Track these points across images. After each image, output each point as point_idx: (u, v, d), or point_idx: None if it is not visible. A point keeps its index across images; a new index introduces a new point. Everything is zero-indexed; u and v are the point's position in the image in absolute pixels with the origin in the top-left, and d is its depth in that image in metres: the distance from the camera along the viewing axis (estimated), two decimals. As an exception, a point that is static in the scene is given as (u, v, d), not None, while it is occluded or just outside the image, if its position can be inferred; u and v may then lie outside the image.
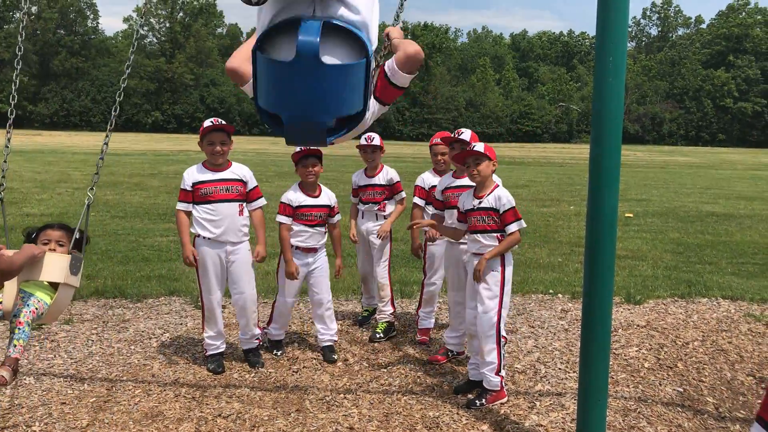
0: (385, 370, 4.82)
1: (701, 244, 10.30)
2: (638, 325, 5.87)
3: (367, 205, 5.62)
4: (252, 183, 4.83)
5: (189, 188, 4.69)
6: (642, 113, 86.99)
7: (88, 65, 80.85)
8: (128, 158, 29.11)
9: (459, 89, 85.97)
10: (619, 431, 3.90)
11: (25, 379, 4.51)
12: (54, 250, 3.23)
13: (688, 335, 5.62)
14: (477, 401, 4.19)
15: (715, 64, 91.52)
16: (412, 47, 2.65)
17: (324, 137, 2.32)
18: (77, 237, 3.31)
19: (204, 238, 4.66)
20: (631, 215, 13.48)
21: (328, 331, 5.07)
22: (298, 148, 4.89)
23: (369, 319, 5.89)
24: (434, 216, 4.88)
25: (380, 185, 5.59)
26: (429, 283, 5.41)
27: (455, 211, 4.55)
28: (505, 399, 4.27)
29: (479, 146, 4.24)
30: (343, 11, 2.30)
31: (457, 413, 4.10)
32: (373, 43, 2.43)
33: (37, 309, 3.05)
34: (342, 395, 4.36)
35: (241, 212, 4.73)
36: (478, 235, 4.27)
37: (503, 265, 4.25)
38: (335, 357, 5.00)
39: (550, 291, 7.06)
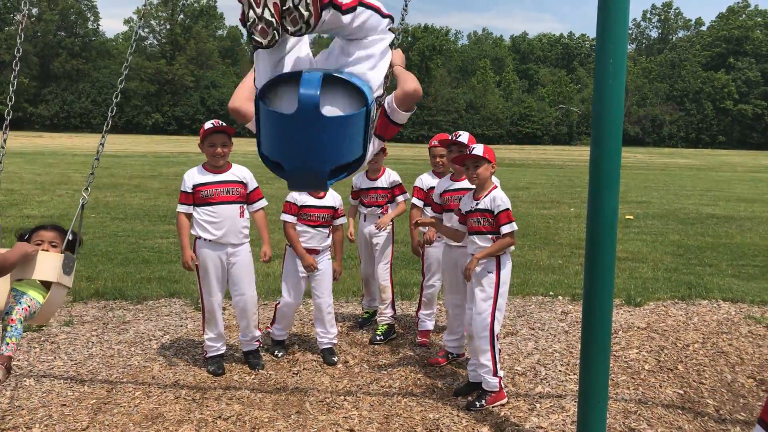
0: (386, 372, 4.82)
1: (701, 246, 10.30)
2: (638, 327, 5.87)
3: (369, 208, 5.61)
4: (253, 184, 4.83)
5: (189, 190, 4.68)
6: (642, 115, 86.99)
7: (89, 67, 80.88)
8: (128, 160, 29.13)
9: (459, 91, 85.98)
10: (620, 433, 3.90)
11: (25, 380, 4.50)
12: (47, 250, 3.22)
13: (689, 337, 5.62)
14: (477, 403, 4.19)
15: (715, 67, 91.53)
16: (409, 84, 2.72)
17: (325, 185, 2.47)
18: (70, 239, 3.30)
19: (205, 240, 4.66)
20: (631, 217, 13.49)
21: (327, 334, 5.07)
22: None
23: (369, 321, 5.89)
24: (433, 219, 4.87)
25: (383, 188, 5.57)
26: (428, 285, 5.41)
27: (453, 213, 4.56)
28: (505, 400, 4.27)
29: (478, 149, 4.24)
30: (344, 61, 2.41)
31: (457, 415, 4.10)
32: (377, 90, 2.53)
33: (29, 307, 3.05)
34: (342, 397, 4.35)
35: (241, 214, 4.73)
36: (475, 236, 4.28)
37: (498, 267, 4.25)
38: (335, 359, 5.00)
39: (551, 293, 7.06)
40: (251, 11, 2.22)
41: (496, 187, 4.33)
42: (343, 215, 5.18)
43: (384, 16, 2.59)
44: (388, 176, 5.60)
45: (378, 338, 5.45)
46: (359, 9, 2.43)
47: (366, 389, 4.51)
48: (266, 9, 2.20)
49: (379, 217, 5.53)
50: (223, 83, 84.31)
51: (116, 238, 9.83)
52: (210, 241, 4.65)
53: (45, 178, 19.16)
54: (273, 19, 2.22)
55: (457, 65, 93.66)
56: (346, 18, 2.37)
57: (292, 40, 2.51)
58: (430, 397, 4.39)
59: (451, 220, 4.66)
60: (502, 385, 4.28)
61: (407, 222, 5.57)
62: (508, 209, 4.20)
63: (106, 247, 8.99)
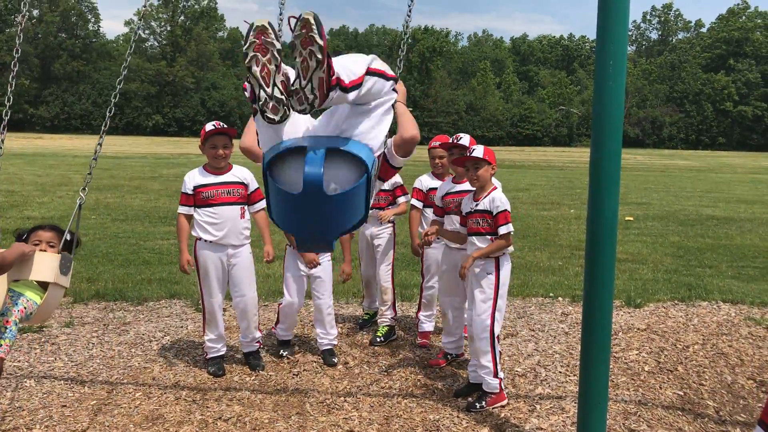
0: (386, 374, 4.82)
1: (701, 248, 10.30)
2: (638, 329, 5.87)
3: (371, 210, 5.60)
4: (253, 185, 4.83)
5: (190, 192, 4.69)
6: (642, 117, 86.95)
7: (89, 68, 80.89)
8: (129, 161, 29.14)
9: (459, 93, 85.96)
10: (620, 434, 3.90)
11: (25, 381, 4.51)
12: (44, 251, 3.23)
13: (689, 339, 5.62)
14: (477, 404, 4.20)
15: (715, 68, 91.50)
16: (409, 132, 2.84)
17: (331, 247, 2.73)
18: (68, 239, 3.31)
19: (205, 241, 4.66)
20: (631, 219, 13.49)
21: (327, 335, 5.08)
22: None
23: (370, 323, 5.89)
24: (434, 222, 4.85)
25: (384, 190, 5.57)
26: (428, 286, 5.41)
27: (454, 216, 4.55)
28: (505, 402, 4.27)
29: (478, 150, 4.25)
30: (347, 125, 2.54)
31: (458, 416, 4.10)
32: (378, 150, 2.71)
33: (25, 308, 3.05)
34: (342, 398, 4.36)
35: (242, 215, 4.73)
36: (474, 237, 4.29)
37: (497, 269, 4.25)
38: (335, 360, 5.00)
39: (551, 294, 7.06)
40: (261, 91, 2.31)
41: (496, 188, 4.33)
42: None
43: (388, 78, 2.68)
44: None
45: (378, 339, 5.45)
46: (365, 79, 2.51)
47: (366, 390, 4.51)
48: (275, 88, 2.29)
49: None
50: (224, 85, 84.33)
51: (117, 239, 9.83)
52: (211, 242, 4.65)
53: (45, 179, 19.17)
54: (283, 97, 2.31)
55: (458, 67, 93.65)
56: (351, 95, 2.46)
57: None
58: (430, 398, 4.39)
59: (453, 223, 4.66)
60: (503, 387, 4.28)
61: (406, 223, 5.57)
62: (506, 210, 4.21)
63: (107, 249, 9.00)
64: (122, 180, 19.51)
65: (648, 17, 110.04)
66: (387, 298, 5.59)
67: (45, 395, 4.30)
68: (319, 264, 4.96)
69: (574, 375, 4.70)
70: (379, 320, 5.63)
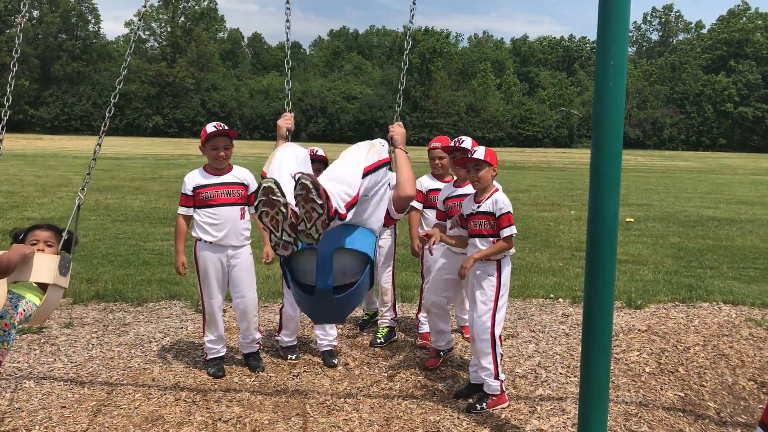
0: (386, 375, 4.81)
1: (702, 249, 10.29)
2: (639, 330, 5.86)
3: None
4: (254, 186, 4.82)
5: (190, 192, 4.68)
6: (643, 118, 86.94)
7: (90, 69, 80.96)
8: (129, 162, 29.15)
9: (460, 94, 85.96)
10: (620, 436, 3.89)
11: (25, 382, 4.50)
12: (42, 250, 3.21)
13: (689, 340, 5.61)
14: (477, 405, 4.19)
15: (715, 69, 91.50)
16: (405, 191, 3.16)
17: (343, 321, 3.44)
18: (66, 238, 3.29)
19: (205, 242, 4.66)
20: (631, 220, 13.48)
21: (327, 336, 5.07)
22: None
23: (370, 324, 5.89)
24: (436, 226, 4.78)
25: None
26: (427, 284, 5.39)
27: (457, 218, 4.53)
28: (506, 404, 4.26)
29: (479, 152, 4.23)
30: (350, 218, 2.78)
31: (458, 417, 4.10)
32: (379, 227, 3.09)
33: (24, 311, 3.04)
34: (342, 399, 4.35)
35: (242, 216, 4.73)
36: (476, 239, 4.27)
37: (499, 270, 4.24)
38: (335, 361, 4.99)
39: (551, 295, 7.05)
40: (272, 236, 2.62)
41: (498, 190, 4.31)
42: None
43: (382, 165, 2.98)
44: (392, 180, 5.58)
45: (378, 341, 5.45)
46: (361, 189, 2.81)
47: (366, 391, 4.50)
48: (284, 232, 2.59)
49: None
50: (224, 86, 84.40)
51: (116, 240, 9.83)
52: (211, 243, 4.65)
53: (45, 180, 19.18)
54: (291, 239, 2.62)
55: (458, 68, 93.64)
56: (350, 213, 2.75)
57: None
58: (430, 399, 4.38)
59: (450, 225, 4.64)
60: (504, 389, 4.27)
61: (407, 224, 5.56)
62: (509, 212, 4.19)
63: (107, 249, 9.00)
64: (122, 181, 19.51)
65: (648, 18, 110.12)
66: (387, 299, 5.58)
67: (44, 396, 4.29)
68: None
69: (575, 376, 4.69)
70: (379, 321, 5.62)
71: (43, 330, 5.55)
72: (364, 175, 2.83)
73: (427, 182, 5.34)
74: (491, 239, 4.21)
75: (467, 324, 5.21)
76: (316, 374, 4.80)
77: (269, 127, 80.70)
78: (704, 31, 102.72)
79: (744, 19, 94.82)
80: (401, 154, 3.35)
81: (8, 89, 3.34)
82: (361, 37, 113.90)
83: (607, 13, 2.97)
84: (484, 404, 4.19)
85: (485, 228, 4.22)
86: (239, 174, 4.79)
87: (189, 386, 4.53)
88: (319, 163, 4.92)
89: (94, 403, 4.21)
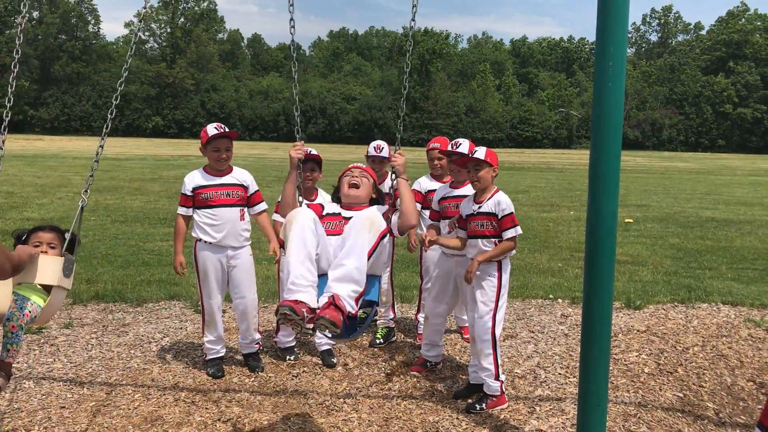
0: (385, 375, 4.81)
1: (701, 250, 10.30)
2: (638, 330, 5.87)
3: None
4: (253, 187, 4.83)
5: (189, 193, 4.68)
6: (642, 119, 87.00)
7: (89, 70, 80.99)
8: (129, 163, 29.15)
9: (459, 95, 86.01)
10: (619, 436, 3.90)
11: (24, 383, 4.50)
12: (46, 252, 3.22)
13: (688, 340, 5.62)
14: (477, 405, 4.19)
15: (714, 70, 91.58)
16: (407, 222, 3.51)
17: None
18: (69, 239, 3.30)
19: (205, 242, 4.66)
20: (630, 221, 13.49)
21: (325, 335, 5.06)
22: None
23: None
24: (431, 227, 4.76)
25: (386, 194, 5.55)
26: (427, 288, 5.38)
27: (454, 220, 4.52)
28: (506, 405, 4.26)
29: (480, 152, 4.23)
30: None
31: (457, 418, 4.10)
32: (383, 271, 3.49)
33: (30, 312, 3.04)
34: (342, 400, 4.35)
35: (242, 217, 4.73)
36: (477, 239, 4.25)
37: (500, 271, 4.24)
38: (335, 361, 5.00)
39: (550, 296, 7.06)
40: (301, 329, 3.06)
41: (499, 190, 4.30)
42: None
43: (382, 237, 3.24)
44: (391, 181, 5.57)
45: (378, 341, 5.45)
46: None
47: (365, 392, 4.50)
48: (303, 330, 3.08)
49: None
50: (224, 86, 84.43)
51: (116, 240, 9.83)
52: (210, 243, 4.65)
53: (45, 180, 19.17)
54: (310, 331, 3.08)
55: (457, 69, 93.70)
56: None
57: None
58: (429, 399, 4.39)
59: (447, 228, 4.63)
60: (503, 389, 4.27)
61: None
62: (512, 213, 4.19)
63: (106, 250, 9.00)
64: (122, 181, 19.51)
65: (648, 19, 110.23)
66: (386, 299, 5.58)
67: (44, 396, 4.29)
68: None
69: (574, 377, 4.70)
70: (378, 322, 5.62)
71: (43, 330, 5.55)
72: (369, 257, 3.14)
73: (426, 183, 5.34)
74: (493, 240, 4.20)
75: (466, 324, 5.22)
76: (316, 375, 4.80)
77: (269, 128, 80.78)
78: (703, 32, 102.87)
79: (743, 20, 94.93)
80: (404, 184, 3.59)
81: (9, 90, 3.34)
82: (361, 38, 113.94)
83: (606, 14, 2.98)
84: (484, 405, 4.19)
85: (487, 229, 4.21)
86: (239, 175, 4.79)
87: (188, 386, 4.53)
88: (313, 163, 4.91)
89: (94, 403, 4.21)
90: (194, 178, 4.71)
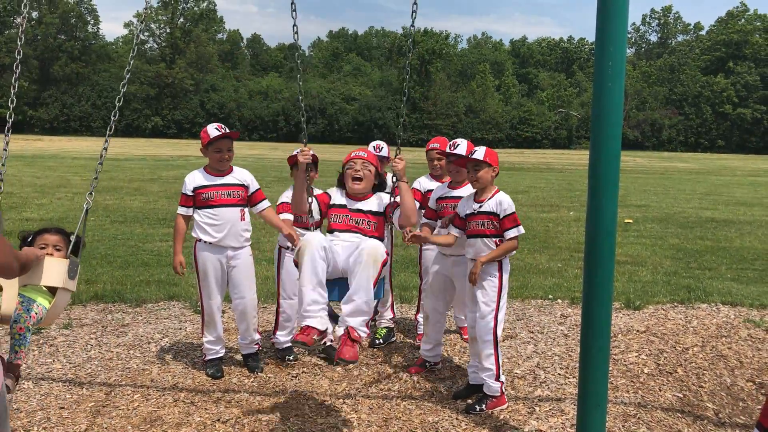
0: (385, 375, 4.81)
1: (701, 250, 10.30)
2: (638, 331, 5.87)
3: None
4: (254, 186, 4.82)
5: (190, 193, 4.68)
6: (641, 119, 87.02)
7: (89, 70, 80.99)
8: (128, 163, 29.14)
9: (459, 95, 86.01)
10: (619, 437, 3.90)
11: (23, 383, 4.50)
12: (51, 254, 3.22)
13: (688, 341, 5.62)
14: (476, 406, 4.19)
15: (714, 71, 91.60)
16: (407, 221, 3.99)
17: None
18: (74, 241, 3.30)
19: (205, 242, 4.66)
20: (630, 221, 13.49)
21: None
22: (294, 152, 4.89)
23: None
24: (425, 225, 4.75)
25: (386, 193, 5.54)
26: (425, 287, 5.38)
27: (448, 219, 4.52)
28: (506, 405, 4.26)
29: (479, 152, 4.23)
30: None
31: (457, 418, 4.10)
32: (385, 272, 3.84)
33: (37, 314, 3.05)
34: (341, 400, 4.35)
35: (242, 217, 4.72)
36: (478, 239, 4.25)
37: (500, 271, 4.24)
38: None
39: (550, 296, 7.06)
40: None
41: (499, 190, 4.30)
42: None
43: (383, 266, 3.64)
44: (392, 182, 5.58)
45: (377, 341, 5.45)
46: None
47: (365, 392, 4.50)
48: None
49: None
50: (223, 87, 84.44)
51: (115, 241, 9.83)
52: (210, 243, 4.65)
53: (44, 181, 19.17)
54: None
55: (457, 69, 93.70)
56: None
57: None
58: (429, 400, 4.39)
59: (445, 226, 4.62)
60: (503, 390, 4.27)
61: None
62: (514, 213, 4.18)
63: (106, 250, 9.00)
64: (121, 182, 19.51)
65: (647, 20, 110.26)
66: (385, 299, 5.58)
67: (43, 397, 4.29)
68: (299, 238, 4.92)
69: (574, 377, 4.70)
70: (378, 322, 5.62)
71: (42, 331, 5.54)
72: (374, 286, 3.58)
73: (425, 183, 5.34)
74: (494, 240, 4.20)
75: (465, 325, 5.22)
76: (315, 375, 4.80)
77: (268, 128, 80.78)
78: (703, 32, 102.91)
79: (743, 20, 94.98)
80: (404, 187, 3.99)
81: (12, 92, 3.34)
82: (361, 38, 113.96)
83: (606, 14, 2.98)
84: (484, 405, 4.19)
85: (488, 228, 4.20)
86: (239, 175, 4.79)
87: (188, 387, 4.52)
88: (311, 165, 4.90)
89: (93, 403, 4.21)
90: (195, 178, 4.71)
